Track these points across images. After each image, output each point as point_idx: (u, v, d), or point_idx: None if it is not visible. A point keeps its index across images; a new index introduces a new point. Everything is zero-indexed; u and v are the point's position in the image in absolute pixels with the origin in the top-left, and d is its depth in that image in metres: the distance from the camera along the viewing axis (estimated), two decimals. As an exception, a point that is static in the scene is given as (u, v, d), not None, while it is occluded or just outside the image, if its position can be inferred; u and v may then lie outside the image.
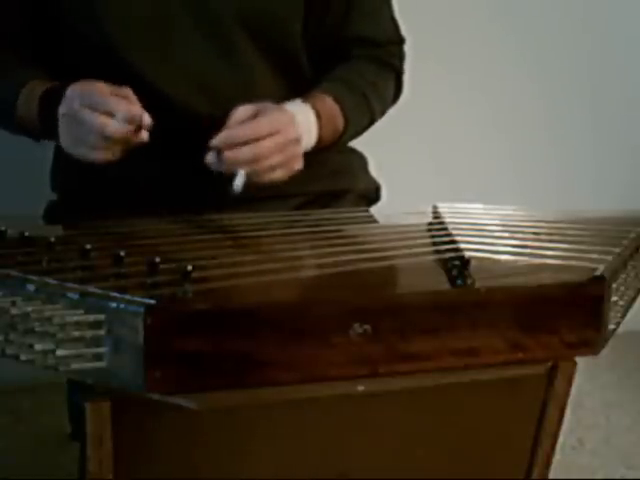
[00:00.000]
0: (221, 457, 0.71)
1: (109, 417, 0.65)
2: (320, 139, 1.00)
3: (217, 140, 0.87)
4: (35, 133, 0.99)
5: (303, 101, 0.99)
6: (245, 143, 0.87)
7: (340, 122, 1.03)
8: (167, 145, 0.91)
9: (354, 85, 1.06)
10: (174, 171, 0.97)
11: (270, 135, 0.88)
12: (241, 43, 1.01)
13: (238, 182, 0.87)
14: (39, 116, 0.94)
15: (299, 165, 0.93)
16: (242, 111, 0.90)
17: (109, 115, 0.84)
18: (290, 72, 1.05)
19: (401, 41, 1.15)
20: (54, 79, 0.99)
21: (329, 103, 1.02)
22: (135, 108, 0.86)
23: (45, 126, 0.93)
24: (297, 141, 0.92)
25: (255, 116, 0.90)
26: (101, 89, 0.87)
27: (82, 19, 0.98)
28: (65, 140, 0.89)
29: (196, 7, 0.98)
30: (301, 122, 0.95)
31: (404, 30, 1.15)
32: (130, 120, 0.85)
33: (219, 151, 0.87)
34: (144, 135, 0.86)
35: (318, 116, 0.99)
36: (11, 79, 1.00)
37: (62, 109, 0.89)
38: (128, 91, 0.88)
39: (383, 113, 1.13)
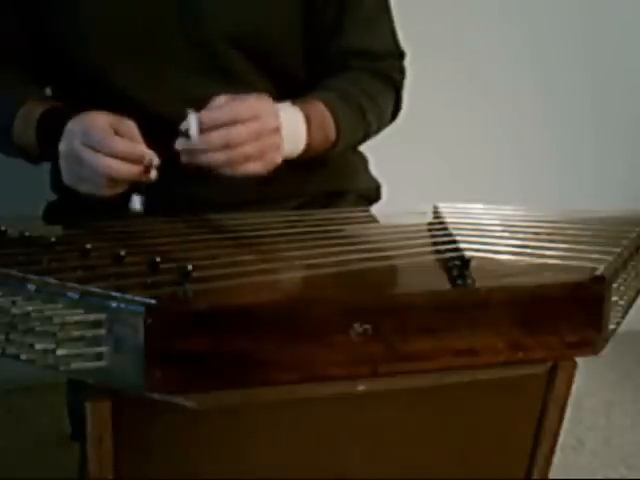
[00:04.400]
0: (221, 457, 0.71)
1: (109, 417, 0.65)
2: (309, 145, 0.95)
3: (194, 118, 0.83)
4: (34, 158, 0.97)
5: (292, 104, 0.95)
6: (218, 127, 0.83)
7: (332, 130, 0.98)
8: (165, 164, 0.88)
9: (349, 95, 1.02)
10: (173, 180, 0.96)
11: (246, 120, 0.84)
12: (237, 63, 0.99)
13: (192, 124, 0.83)
14: (38, 144, 0.93)
15: (278, 157, 0.87)
16: (221, 98, 0.86)
17: (112, 156, 0.82)
18: (289, 89, 1.03)
19: (401, 55, 1.12)
20: (52, 94, 0.98)
21: (320, 109, 0.97)
22: (140, 148, 0.83)
23: (46, 156, 0.92)
24: (276, 130, 0.86)
25: (235, 102, 0.86)
26: (102, 125, 0.83)
27: (75, 46, 0.97)
28: (68, 178, 0.87)
29: (189, 29, 0.97)
30: (287, 125, 0.90)
31: (405, 30, 1.14)
32: (135, 161, 0.82)
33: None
34: (153, 174, 0.83)
35: (307, 121, 0.94)
36: (6, 99, 0.98)
37: (62, 147, 0.86)
38: (131, 126, 0.84)
39: (380, 128, 1.09)
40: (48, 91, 1.08)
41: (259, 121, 0.85)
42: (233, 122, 0.83)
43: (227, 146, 0.83)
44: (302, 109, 0.95)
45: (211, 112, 0.85)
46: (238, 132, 0.83)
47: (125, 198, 0.87)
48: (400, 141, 1.64)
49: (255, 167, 0.86)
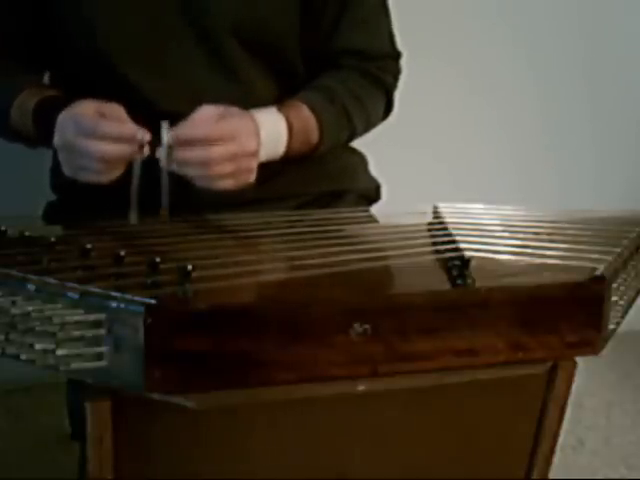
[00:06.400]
0: (221, 457, 0.71)
1: (109, 417, 0.65)
2: (289, 148, 0.97)
3: (170, 136, 0.85)
4: (32, 143, 0.99)
5: (278, 110, 0.97)
6: (198, 144, 0.85)
7: (314, 135, 1.00)
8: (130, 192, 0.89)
9: (336, 96, 1.03)
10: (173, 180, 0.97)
11: (225, 142, 0.85)
12: (238, 57, 1.00)
13: (163, 142, 0.85)
14: (36, 132, 0.94)
15: (251, 178, 0.90)
16: (205, 110, 0.87)
17: (104, 139, 0.83)
18: (289, 84, 1.04)
19: (397, 56, 1.13)
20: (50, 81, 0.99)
21: (305, 115, 0.99)
22: (128, 127, 0.84)
23: (43, 144, 0.94)
24: (253, 154, 0.89)
25: (218, 119, 0.87)
26: (90, 112, 0.85)
27: (79, 35, 0.97)
28: (67, 169, 0.88)
29: (191, 22, 0.97)
30: (268, 133, 0.92)
31: (404, 31, 1.14)
32: (127, 141, 0.84)
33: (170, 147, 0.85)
34: (145, 151, 0.85)
35: (290, 127, 0.96)
36: (3, 87, 1.00)
37: (56, 140, 0.87)
38: (119, 109, 0.86)
39: (367, 130, 1.10)
40: (46, 78, 1.08)
41: (237, 143, 0.86)
42: (213, 141, 0.85)
43: (203, 164, 0.85)
44: (286, 116, 0.97)
45: (193, 129, 0.86)
46: (215, 153, 0.85)
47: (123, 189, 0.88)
48: (400, 141, 1.64)
49: (227, 184, 0.88)
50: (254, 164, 0.90)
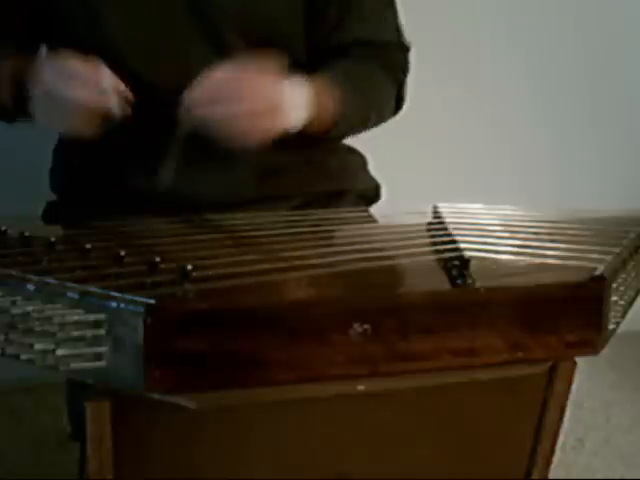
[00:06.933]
0: (221, 457, 0.71)
1: (109, 417, 0.65)
2: (309, 117, 0.94)
3: (193, 93, 0.83)
4: (9, 115, 0.98)
5: (306, 81, 0.94)
6: (221, 100, 0.83)
7: (331, 107, 0.98)
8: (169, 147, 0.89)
9: (353, 76, 1.03)
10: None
11: (244, 98, 0.84)
12: (240, 47, 1.00)
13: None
14: (10, 92, 0.93)
15: (276, 133, 0.88)
16: (222, 69, 0.86)
17: (82, 85, 0.82)
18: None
19: (405, 48, 1.12)
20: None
21: (325, 84, 0.97)
22: (107, 74, 0.84)
23: (18, 103, 0.92)
24: (278, 109, 0.87)
25: (236, 76, 0.86)
26: (72, 60, 0.85)
27: (87, 30, 0.97)
28: (41, 114, 0.87)
29: (198, 19, 0.98)
30: (293, 98, 0.90)
31: (404, 28, 1.13)
32: (104, 90, 0.83)
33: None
34: (126, 109, 0.84)
35: (311, 93, 0.94)
36: None
37: (34, 88, 0.86)
38: (100, 63, 0.85)
39: (377, 124, 1.09)
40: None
41: (263, 100, 0.85)
42: (236, 98, 0.84)
43: (224, 121, 0.84)
44: (315, 91, 0.95)
45: (216, 86, 0.84)
46: (240, 110, 0.84)
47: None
48: (400, 141, 1.64)
49: (250, 140, 0.86)
50: (279, 121, 0.88)
